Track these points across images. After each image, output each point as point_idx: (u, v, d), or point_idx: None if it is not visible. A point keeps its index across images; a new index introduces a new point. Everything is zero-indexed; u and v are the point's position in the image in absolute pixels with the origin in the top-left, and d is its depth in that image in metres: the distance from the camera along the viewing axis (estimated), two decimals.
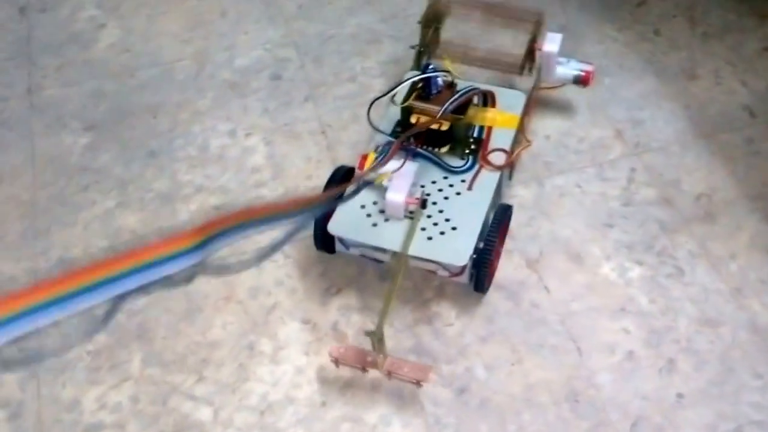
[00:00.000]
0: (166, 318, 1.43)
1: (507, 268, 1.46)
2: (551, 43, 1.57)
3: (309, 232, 1.42)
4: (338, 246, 1.42)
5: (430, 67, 1.46)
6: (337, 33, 1.89)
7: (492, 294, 1.43)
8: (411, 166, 1.38)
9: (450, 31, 1.62)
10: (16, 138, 1.73)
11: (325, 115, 1.72)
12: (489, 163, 1.45)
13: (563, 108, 1.71)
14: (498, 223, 1.39)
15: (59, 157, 1.68)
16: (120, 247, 1.52)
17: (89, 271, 1.08)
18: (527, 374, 1.33)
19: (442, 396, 1.30)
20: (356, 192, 1.36)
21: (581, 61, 1.61)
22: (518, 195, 1.57)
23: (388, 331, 1.28)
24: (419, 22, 1.58)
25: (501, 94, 1.54)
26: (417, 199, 1.35)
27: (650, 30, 1.86)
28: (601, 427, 1.28)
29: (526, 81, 1.60)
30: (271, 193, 1.59)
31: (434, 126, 1.42)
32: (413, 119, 1.43)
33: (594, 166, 1.61)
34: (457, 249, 1.33)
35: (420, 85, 1.46)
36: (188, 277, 1.40)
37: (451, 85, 1.47)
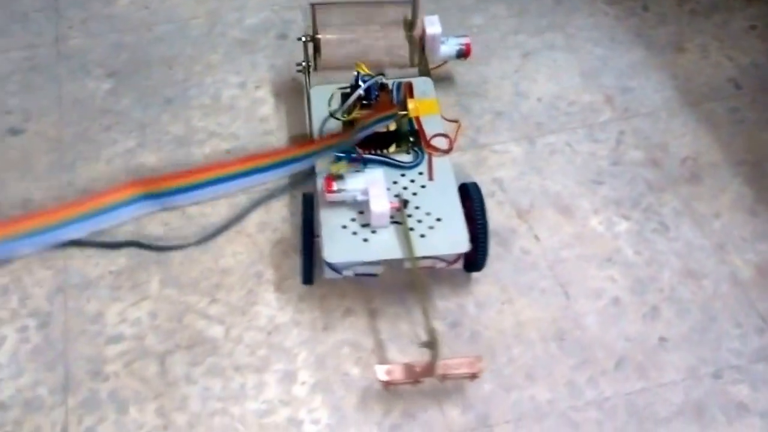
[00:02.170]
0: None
1: (498, 217, 1.44)
2: (432, 25, 1.53)
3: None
4: (327, 272, 1.31)
5: (361, 75, 1.36)
6: None
7: None
8: (378, 174, 1.30)
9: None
10: (45, 81, 1.70)
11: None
12: (435, 149, 1.38)
13: (554, 73, 1.69)
14: (481, 202, 1.31)
15: (83, 100, 1.66)
16: None
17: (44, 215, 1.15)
18: (517, 313, 1.30)
19: (436, 328, 1.27)
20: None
21: (458, 36, 1.58)
22: (510, 151, 1.55)
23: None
24: (300, 39, 1.53)
25: (414, 83, 1.46)
26: (398, 202, 1.29)
27: (639, 6, 1.84)
28: (586, 364, 1.25)
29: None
30: (278, 141, 1.57)
31: (381, 129, 1.35)
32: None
33: (584, 128, 1.58)
34: (453, 238, 1.26)
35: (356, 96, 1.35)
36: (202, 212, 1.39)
37: (383, 87, 1.37)
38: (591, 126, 1.58)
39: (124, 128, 1.60)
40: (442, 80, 1.64)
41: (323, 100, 1.43)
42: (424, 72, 1.54)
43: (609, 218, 1.44)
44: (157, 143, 1.57)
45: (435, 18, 1.53)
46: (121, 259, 1.39)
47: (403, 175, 1.35)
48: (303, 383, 1.24)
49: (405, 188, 1.33)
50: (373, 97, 1.35)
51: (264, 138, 1.58)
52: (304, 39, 1.52)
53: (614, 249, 1.40)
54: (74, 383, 1.25)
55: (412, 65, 1.53)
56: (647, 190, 1.48)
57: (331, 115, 1.40)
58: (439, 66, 1.61)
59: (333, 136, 1.36)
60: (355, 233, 1.27)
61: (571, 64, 1.70)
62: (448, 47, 1.57)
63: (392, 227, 1.27)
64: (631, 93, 1.64)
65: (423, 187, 1.33)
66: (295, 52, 1.68)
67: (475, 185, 1.34)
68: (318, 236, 1.29)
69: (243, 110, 1.64)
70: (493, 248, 1.37)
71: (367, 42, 1.52)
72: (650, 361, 1.25)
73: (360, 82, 1.35)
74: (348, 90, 1.37)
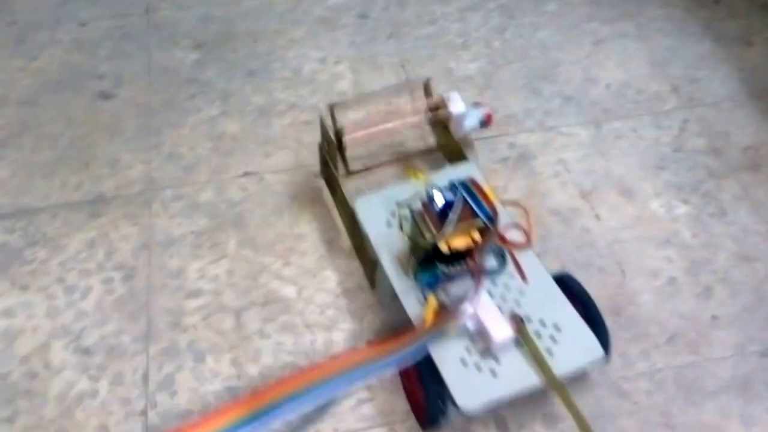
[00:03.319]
0: (260, 210, 1.46)
1: (562, 196, 1.48)
2: (457, 103, 1.40)
3: None
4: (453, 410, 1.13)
5: (431, 189, 1.17)
6: None
7: (547, 218, 1.44)
8: (483, 295, 1.16)
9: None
10: (135, 49, 1.78)
11: (405, 52, 1.75)
12: (514, 244, 1.25)
13: (624, 61, 1.73)
14: (589, 298, 1.22)
15: (171, 69, 1.73)
16: (222, 148, 1.57)
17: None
18: None
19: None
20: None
21: (475, 106, 1.44)
22: (576, 134, 1.59)
23: None
24: (321, 145, 1.40)
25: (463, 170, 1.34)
26: (516, 321, 1.14)
27: None
28: (640, 338, 1.29)
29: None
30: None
31: (461, 246, 1.15)
32: (444, 247, 1.13)
33: (650, 115, 1.61)
34: (584, 346, 1.14)
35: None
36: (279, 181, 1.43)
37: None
38: (656, 113, 1.62)
39: (209, 97, 1.67)
40: (510, 63, 1.69)
41: (373, 213, 1.30)
42: (456, 154, 1.43)
43: (669, 202, 1.47)
44: (239, 113, 1.63)
45: (456, 96, 1.41)
46: (202, 220, 1.45)
47: (494, 285, 1.21)
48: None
49: (503, 298, 1.19)
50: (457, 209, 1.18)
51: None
52: (326, 143, 1.37)
53: (672, 231, 1.43)
54: (155, 333, 1.31)
55: (438, 149, 1.49)
56: (707, 176, 1.51)
57: (417, 244, 1.17)
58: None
59: (439, 319, 1.15)
60: (478, 367, 1.11)
61: (641, 53, 1.73)
62: (471, 119, 1.43)
63: (515, 349, 1.13)
64: (697, 83, 1.67)
65: (521, 292, 1.20)
66: (377, 32, 1.74)
67: (573, 280, 1.25)
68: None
69: (322, 84, 1.69)
70: (555, 226, 1.43)
71: (390, 133, 1.46)
72: (701, 337, 1.29)
73: (428, 197, 1.17)
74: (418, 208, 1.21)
